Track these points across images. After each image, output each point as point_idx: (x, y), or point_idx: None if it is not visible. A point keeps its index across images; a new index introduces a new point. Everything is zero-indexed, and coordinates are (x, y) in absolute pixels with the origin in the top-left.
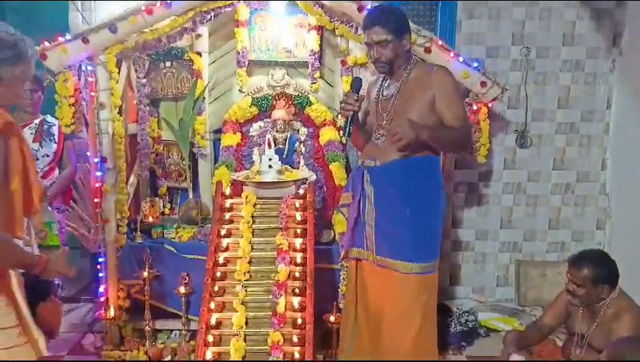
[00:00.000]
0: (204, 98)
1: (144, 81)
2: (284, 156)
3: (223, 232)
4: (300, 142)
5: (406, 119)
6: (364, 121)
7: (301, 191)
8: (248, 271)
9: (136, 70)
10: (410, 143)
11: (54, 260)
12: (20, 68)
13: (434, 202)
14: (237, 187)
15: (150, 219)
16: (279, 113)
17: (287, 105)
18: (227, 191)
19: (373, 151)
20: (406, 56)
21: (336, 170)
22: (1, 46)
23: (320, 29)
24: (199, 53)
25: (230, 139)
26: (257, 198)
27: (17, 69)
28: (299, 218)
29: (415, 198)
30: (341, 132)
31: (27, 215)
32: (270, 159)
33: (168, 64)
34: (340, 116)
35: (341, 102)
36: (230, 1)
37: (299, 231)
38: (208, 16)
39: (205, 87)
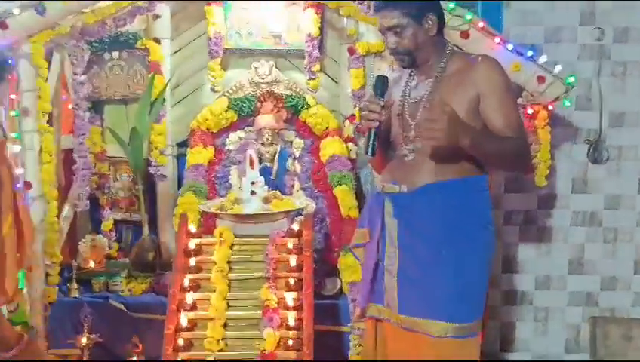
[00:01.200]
0: (164, 100)
1: (83, 78)
2: (272, 178)
3: (187, 284)
4: (294, 159)
5: (447, 109)
6: (384, 131)
7: (295, 227)
8: (223, 339)
9: (72, 64)
10: (446, 147)
11: (34, 347)
12: None
13: (479, 241)
14: (208, 221)
15: (91, 264)
16: (266, 119)
17: (277, 109)
18: (194, 228)
19: (398, 172)
20: (435, 45)
21: (343, 197)
22: None
23: (320, 7)
24: (157, 40)
25: (199, 155)
26: (236, 237)
27: None
28: (293, 263)
29: (453, 236)
30: (360, 148)
31: (20, 267)
32: (253, 183)
33: (115, 55)
34: (351, 126)
35: (361, 110)
36: None
37: (292, 281)
38: None
39: (166, 85)
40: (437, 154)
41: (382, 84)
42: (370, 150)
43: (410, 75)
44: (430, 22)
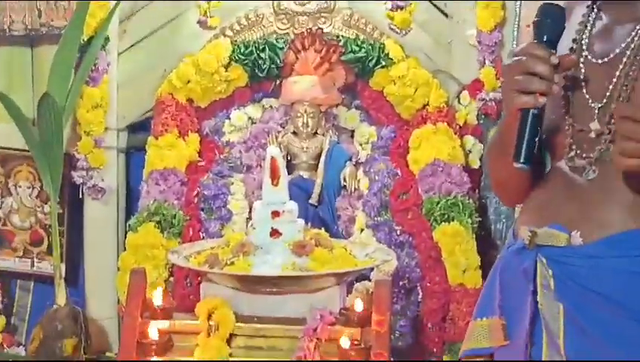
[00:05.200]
0: (106, 41)
1: None
2: (312, 202)
3: None
4: (357, 164)
5: None
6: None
7: (357, 305)
8: None
9: None
10: None
11: None
12: None
13: None
14: (184, 285)
15: None
16: (304, 85)
17: (326, 66)
18: (159, 298)
19: (564, 205)
20: None
21: (453, 246)
22: None
23: None
24: None
25: (170, 150)
26: (239, 320)
27: None
28: None
29: None
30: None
31: None
32: (276, 212)
33: None
34: (472, 104)
35: (507, 69)
36: None
37: None
38: None
39: (112, 12)
40: None
41: (554, 21)
42: (523, 154)
43: (593, 10)
44: None
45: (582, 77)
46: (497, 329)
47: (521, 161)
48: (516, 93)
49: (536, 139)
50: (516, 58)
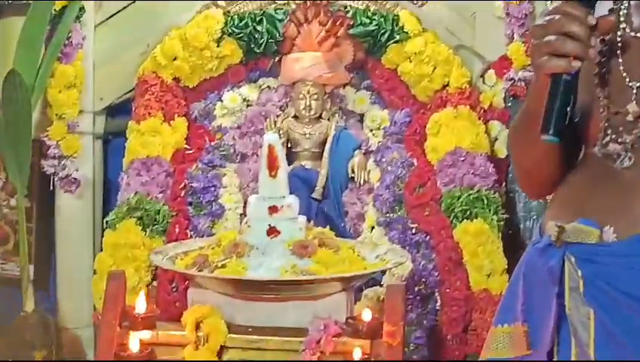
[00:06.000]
0: (81, 11)
1: None
2: (315, 196)
3: None
4: (367, 153)
5: None
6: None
7: (365, 314)
8: None
9: None
10: None
11: None
12: None
13: None
14: (170, 291)
15: None
16: (307, 62)
17: (332, 41)
18: (143, 304)
19: (597, 197)
20: None
21: (476, 245)
22: None
23: None
24: None
25: (154, 137)
26: (231, 331)
27: None
28: None
29: None
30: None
31: None
32: (274, 207)
33: None
34: (499, 83)
35: (537, 31)
36: None
37: None
38: None
39: None
40: None
41: None
42: (552, 125)
43: None
44: None
45: (619, 52)
46: (520, 337)
47: (550, 132)
48: (547, 56)
49: (568, 108)
50: (548, 17)
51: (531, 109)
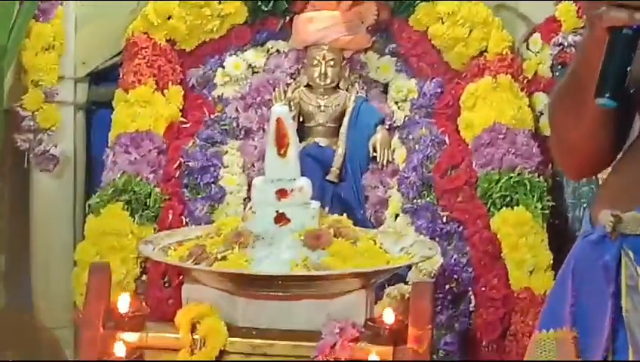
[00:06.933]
0: None
1: None
2: (331, 178)
3: None
4: (392, 129)
5: None
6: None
7: (387, 316)
8: None
9: None
10: None
11: None
12: None
13: None
14: (161, 286)
15: None
16: (322, 23)
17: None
18: (126, 303)
19: None
20: None
21: (517, 237)
22: None
23: None
24: None
25: (145, 108)
26: (232, 334)
27: None
28: None
29: None
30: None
31: None
32: (282, 191)
33: None
34: (546, 49)
35: None
36: None
37: None
38: None
39: None
40: None
41: None
42: (609, 86)
43: None
44: None
45: None
46: (567, 343)
47: (607, 95)
48: (605, 7)
49: (629, 69)
50: None
51: (582, 71)
